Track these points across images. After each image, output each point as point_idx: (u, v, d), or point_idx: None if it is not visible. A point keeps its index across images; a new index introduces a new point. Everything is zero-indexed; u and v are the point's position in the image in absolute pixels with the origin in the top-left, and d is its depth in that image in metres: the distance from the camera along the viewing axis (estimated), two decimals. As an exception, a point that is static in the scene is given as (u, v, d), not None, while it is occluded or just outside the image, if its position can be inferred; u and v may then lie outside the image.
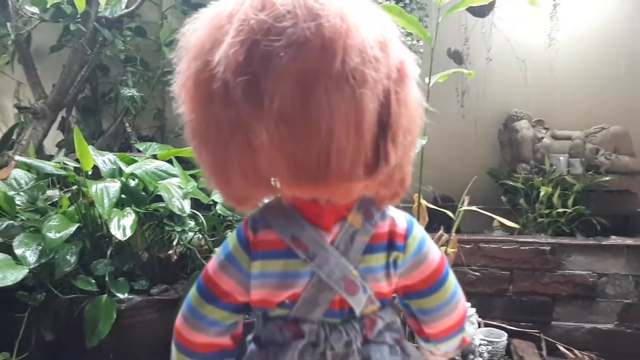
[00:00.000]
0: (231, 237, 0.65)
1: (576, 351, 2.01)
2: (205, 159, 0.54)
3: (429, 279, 0.65)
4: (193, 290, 0.66)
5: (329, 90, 0.46)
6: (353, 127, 0.48)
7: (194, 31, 0.52)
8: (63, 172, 1.53)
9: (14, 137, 2.50)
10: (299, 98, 0.46)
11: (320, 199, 0.56)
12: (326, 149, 0.47)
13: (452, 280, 0.68)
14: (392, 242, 0.62)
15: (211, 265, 0.65)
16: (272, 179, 0.52)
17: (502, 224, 2.11)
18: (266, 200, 0.61)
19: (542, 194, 2.29)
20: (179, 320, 0.66)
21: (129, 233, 1.46)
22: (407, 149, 0.55)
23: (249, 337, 0.67)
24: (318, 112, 0.46)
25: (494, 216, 1.73)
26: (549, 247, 2.06)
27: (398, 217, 0.65)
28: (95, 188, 1.50)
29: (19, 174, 1.54)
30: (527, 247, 2.07)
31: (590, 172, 2.37)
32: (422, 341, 0.71)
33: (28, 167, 1.48)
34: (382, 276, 0.62)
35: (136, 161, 1.75)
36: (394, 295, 0.67)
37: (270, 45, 0.46)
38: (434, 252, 0.66)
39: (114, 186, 1.54)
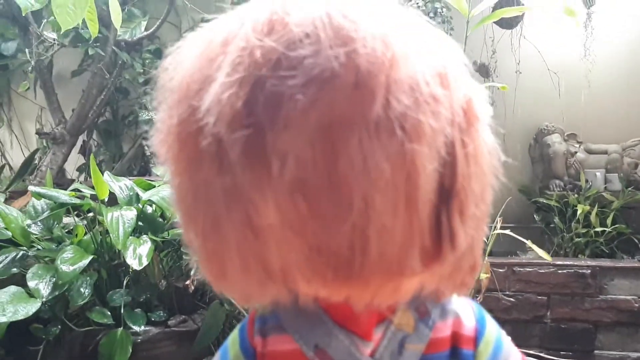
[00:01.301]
0: (232, 339, 0.49)
1: (622, 382, 1.87)
2: (194, 242, 0.38)
3: None
4: None
5: (366, 147, 0.32)
6: (403, 199, 0.33)
7: (178, 65, 0.38)
8: (78, 201, 1.50)
9: (36, 161, 2.50)
10: (323, 159, 0.32)
11: (355, 301, 0.39)
12: (362, 231, 0.33)
13: None
14: (456, 350, 0.46)
15: None
16: (285, 272, 0.37)
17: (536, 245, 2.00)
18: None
19: (578, 212, 2.17)
20: None
21: (145, 262, 1.41)
22: (480, 223, 0.39)
23: None
24: (350, 177, 0.32)
25: (527, 242, 1.63)
26: (589, 270, 1.93)
27: (463, 312, 0.48)
28: (110, 216, 1.46)
29: (37, 202, 1.51)
30: (565, 271, 1.95)
31: (629, 188, 2.24)
32: None
33: (42, 197, 1.45)
34: None
35: (154, 186, 1.71)
36: None
37: (280, 84, 0.32)
38: (514, 357, 0.49)
39: (130, 214, 1.50)
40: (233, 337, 0.49)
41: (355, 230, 0.32)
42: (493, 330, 0.48)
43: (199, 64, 0.35)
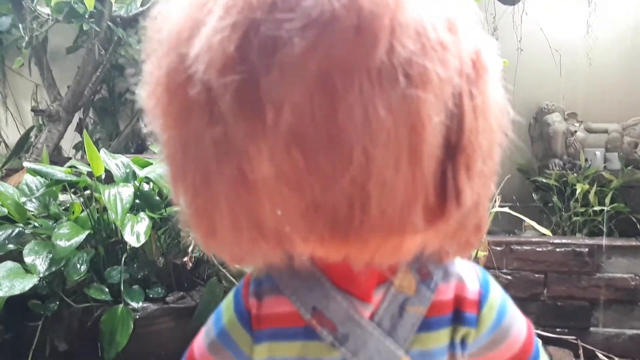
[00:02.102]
0: (226, 303, 0.47)
1: (616, 359, 1.89)
2: (183, 199, 0.36)
3: None
4: None
5: (367, 95, 0.30)
6: (406, 153, 0.31)
7: (168, 14, 0.35)
8: (74, 178, 1.48)
9: (31, 139, 2.48)
10: (321, 107, 0.30)
11: (354, 261, 0.37)
12: (362, 186, 0.31)
13: None
14: (459, 313, 0.44)
15: (198, 344, 0.48)
16: (279, 230, 0.34)
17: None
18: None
19: (577, 191, 2.16)
20: None
21: (143, 239, 1.41)
22: (486, 181, 0.37)
23: None
24: (350, 128, 0.30)
25: (526, 219, 1.62)
26: (586, 249, 1.93)
27: (467, 276, 0.46)
28: (108, 193, 1.45)
29: (30, 179, 1.50)
30: (562, 249, 1.95)
31: (629, 167, 2.24)
32: None
33: (38, 174, 1.43)
34: None
35: (150, 164, 1.69)
36: None
37: (276, 28, 0.30)
38: (518, 323, 0.47)
39: (127, 191, 1.49)
40: (227, 301, 0.47)
41: (354, 185, 0.30)
42: (497, 295, 0.46)
43: (189, 10, 0.33)
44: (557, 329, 1.94)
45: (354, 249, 0.34)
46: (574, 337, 1.93)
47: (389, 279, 0.43)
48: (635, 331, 1.93)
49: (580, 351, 1.91)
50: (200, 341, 0.48)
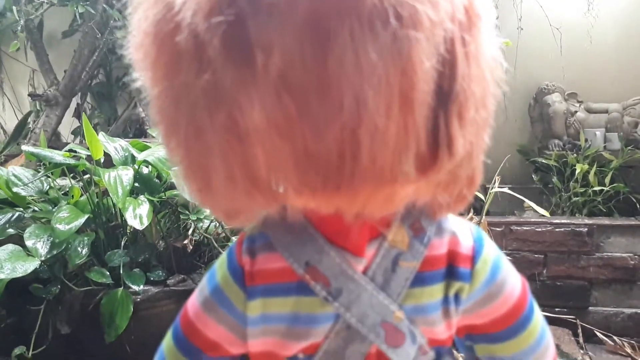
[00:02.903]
0: (220, 261, 0.47)
1: (615, 338, 1.90)
2: (177, 154, 0.36)
3: (505, 318, 0.46)
4: (168, 338, 0.48)
5: (358, 39, 0.29)
6: (397, 98, 0.30)
7: None
8: (72, 162, 1.48)
9: (29, 125, 2.47)
10: (311, 51, 0.29)
11: (346, 212, 0.36)
12: (353, 133, 0.30)
13: (538, 318, 0.48)
14: (453, 268, 0.44)
15: (192, 303, 0.47)
16: (273, 182, 0.34)
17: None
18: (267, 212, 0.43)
19: (577, 171, 2.16)
20: None
21: (146, 222, 1.41)
22: (480, 130, 0.36)
23: None
24: (340, 73, 0.29)
25: (525, 200, 1.62)
26: (586, 229, 1.94)
27: (461, 231, 0.45)
28: (108, 176, 1.45)
29: (18, 171, 1.49)
30: (562, 229, 1.95)
31: (629, 147, 2.23)
32: None
33: (36, 157, 1.43)
34: (439, 316, 0.44)
35: (149, 147, 1.69)
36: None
37: None
38: (512, 279, 0.46)
39: (128, 174, 1.49)
40: (221, 260, 0.47)
41: (345, 132, 0.30)
42: (492, 251, 0.46)
43: None
44: (556, 309, 1.95)
45: (345, 200, 0.34)
46: (572, 317, 1.94)
47: (382, 234, 0.43)
48: (633, 310, 1.94)
49: (579, 330, 1.93)
50: (193, 300, 0.47)
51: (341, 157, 0.31)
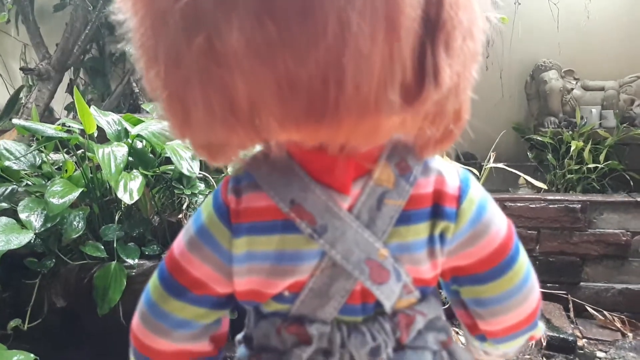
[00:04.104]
0: (205, 203, 0.47)
1: (606, 312, 1.93)
2: (156, 86, 0.35)
3: (490, 258, 0.46)
4: (154, 279, 0.48)
5: None
6: (382, 22, 0.29)
7: None
8: (65, 135, 1.47)
9: (22, 100, 2.44)
10: None
11: (329, 145, 0.36)
12: (337, 59, 0.29)
13: (523, 259, 0.48)
14: (438, 207, 0.43)
15: (178, 244, 0.47)
16: (254, 113, 0.33)
17: (528, 182, 2.00)
18: (252, 150, 0.42)
19: (572, 148, 2.16)
20: (135, 321, 0.48)
21: (136, 196, 1.41)
22: (467, 62, 0.35)
23: (239, 336, 0.50)
24: None
25: (521, 174, 1.63)
26: (579, 205, 1.95)
27: (447, 171, 0.45)
28: (102, 152, 1.44)
29: (9, 144, 1.48)
30: (555, 205, 1.96)
31: (624, 125, 2.23)
32: (475, 339, 0.53)
33: (28, 131, 1.42)
34: (424, 255, 0.44)
35: (142, 121, 1.67)
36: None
37: None
38: (498, 220, 0.46)
39: (121, 150, 1.48)
40: (206, 201, 0.47)
41: (329, 57, 0.29)
42: (478, 192, 0.46)
43: None
44: (548, 284, 1.97)
45: (329, 131, 0.33)
46: (564, 292, 1.97)
47: (367, 172, 0.43)
48: (624, 285, 1.97)
49: (570, 305, 1.95)
50: (179, 240, 0.47)
51: (324, 85, 0.30)
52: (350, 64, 0.29)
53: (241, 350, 0.48)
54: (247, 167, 0.44)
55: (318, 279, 0.42)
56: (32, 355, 1.22)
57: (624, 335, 1.86)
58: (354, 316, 0.44)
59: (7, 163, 1.39)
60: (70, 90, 2.61)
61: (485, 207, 0.46)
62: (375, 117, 0.32)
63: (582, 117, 2.31)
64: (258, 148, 0.43)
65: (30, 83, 2.48)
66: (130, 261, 1.45)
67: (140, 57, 0.35)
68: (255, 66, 0.30)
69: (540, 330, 0.53)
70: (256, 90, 0.31)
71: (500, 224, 0.46)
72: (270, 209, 0.42)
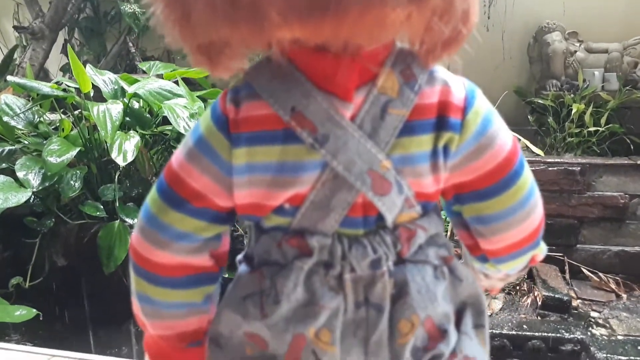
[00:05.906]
0: (204, 115, 0.45)
1: (601, 274, 1.96)
2: None
3: (494, 172, 0.44)
4: (152, 192, 0.46)
5: None
6: None
7: None
8: (61, 93, 1.45)
9: (16, 61, 2.40)
10: None
11: (333, 43, 0.35)
12: None
13: (528, 175, 0.46)
14: (443, 118, 0.42)
15: (177, 156, 0.45)
16: (256, 5, 0.32)
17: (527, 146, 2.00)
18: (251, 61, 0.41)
19: (573, 111, 2.14)
20: (135, 236, 0.47)
21: (130, 158, 1.40)
22: None
23: (240, 256, 0.49)
24: None
25: (519, 137, 1.62)
26: (578, 167, 1.95)
27: (453, 82, 0.43)
28: (97, 110, 1.43)
29: (10, 99, 1.46)
30: (555, 168, 1.96)
31: (627, 88, 2.20)
32: (476, 261, 0.52)
33: (23, 88, 1.40)
34: (427, 168, 0.42)
35: (139, 81, 1.65)
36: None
37: None
38: (503, 134, 0.45)
39: (117, 108, 1.46)
40: (205, 113, 0.45)
41: None
42: (484, 104, 0.44)
43: None
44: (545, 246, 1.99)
45: (333, 25, 0.32)
46: (560, 254, 1.99)
47: (371, 80, 0.41)
48: (620, 247, 1.99)
49: (566, 267, 1.98)
50: (177, 153, 0.46)
51: None
52: None
53: (242, 268, 0.47)
54: (246, 77, 0.42)
55: (319, 191, 0.42)
56: (34, 310, 1.23)
57: (618, 296, 1.90)
58: (355, 229, 0.43)
59: (5, 118, 1.38)
60: (65, 52, 2.57)
61: (491, 120, 0.44)
62: (381, 8, 0.31)
63: (584, 80, 2.28)
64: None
65: (24, 43, 2.44)
66: (129, 220, 1.46)
67: None
68: None
69: (543, 250, 0.52)
70: None
71: (505, 138, 0.45)
72: (270, 118, 0.41)
